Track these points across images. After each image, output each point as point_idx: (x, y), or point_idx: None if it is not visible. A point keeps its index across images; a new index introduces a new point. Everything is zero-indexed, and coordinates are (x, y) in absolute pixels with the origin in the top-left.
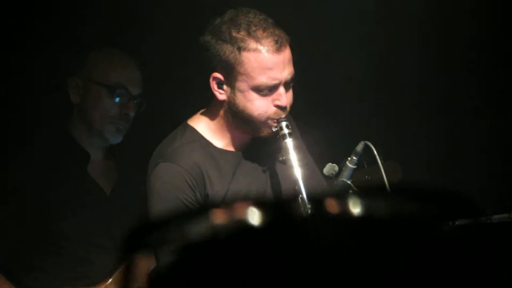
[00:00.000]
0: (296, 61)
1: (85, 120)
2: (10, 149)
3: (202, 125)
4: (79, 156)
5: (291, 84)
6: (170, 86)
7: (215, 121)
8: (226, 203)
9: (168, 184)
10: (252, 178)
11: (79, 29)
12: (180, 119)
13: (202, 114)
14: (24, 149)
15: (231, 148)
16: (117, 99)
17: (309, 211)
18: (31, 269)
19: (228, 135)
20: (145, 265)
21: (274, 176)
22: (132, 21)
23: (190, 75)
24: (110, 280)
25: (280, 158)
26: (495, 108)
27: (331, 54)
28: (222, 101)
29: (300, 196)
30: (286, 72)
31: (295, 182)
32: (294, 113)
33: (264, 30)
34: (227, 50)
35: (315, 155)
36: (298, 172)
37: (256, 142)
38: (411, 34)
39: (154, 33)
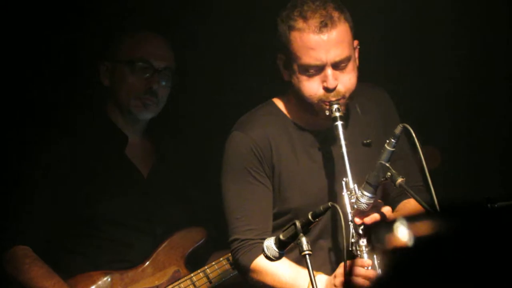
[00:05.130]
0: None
1: (116, 101)
2: (50, 133)
3: (283, 102)
4: (117, 138)
5: (345, 66)
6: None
7: (292, 100)
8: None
9: (236, 153)
10: (326, 160)
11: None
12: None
13: (286, 93)
14: (64, 133)
15: (310, 127)
16: (140, 74)
17: (353, 196)
18: (69, 252)
19: (303, 115)
20: None
21: (352, 160)
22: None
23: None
24: (148, 262)
25: (365, 141)
26: None
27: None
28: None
29: (345, 179)
30: (331, 53)
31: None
32: None
33: (315, 11)
34: (282, 29)
35: None
36: (345, 155)
37: (347, 122)
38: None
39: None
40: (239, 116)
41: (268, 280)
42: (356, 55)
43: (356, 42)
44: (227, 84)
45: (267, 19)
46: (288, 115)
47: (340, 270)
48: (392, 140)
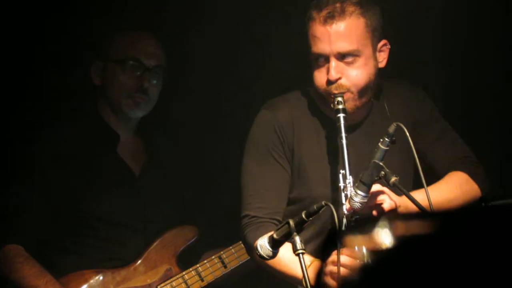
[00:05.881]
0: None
1: (107, 100)
2: (43, 132)
3: (315, 90)
4: (109, 137)
5: (353, 61)
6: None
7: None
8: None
9: (260, 130)
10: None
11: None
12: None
13: None
14: (56, 133)
15: (335, 116)
16: (131, 72)
17: (349, 186)
18: (61, 250)
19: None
20: None
21: (366, 153)
22: None
23: None
24: (140, 261)
25: (381, 140)
26: None
27: None
28: None
29: (342, 171)
30: (336, 45)
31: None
32: None
33: (329, 2)
34: (306, 19)
35: None
36: (344, 148)
37: (370, 118)
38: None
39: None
40: (231, 114)
41: (269, 261)
42: (384, 55)
43: (382, 42)
44: (220, 82)
45: (259, 17)
46: (317, 102)
47: (330, 258)
48: (386, 139)
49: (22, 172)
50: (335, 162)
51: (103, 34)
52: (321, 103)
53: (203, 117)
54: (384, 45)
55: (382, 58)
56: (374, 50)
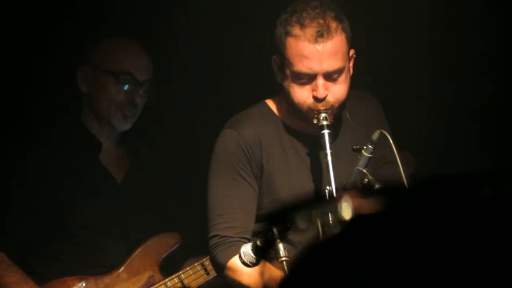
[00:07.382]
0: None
1: (93, 108)
2: (25, 139)
3: (275, 103)
4: (91, 145)
5: (338, 77)
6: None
7: (284, 103)
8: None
9: (225, 150)
10: (316, 164)
11: (92, 20)
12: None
13: (277, 94)
14: (38, 139)
15: (301, 130)
16: (123, 86)
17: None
18: (44, 257)
19: (294, 118)
20: None
21: (341, 166)
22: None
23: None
24: (122, 268)
25: (355, 147)
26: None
27: None
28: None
29: (328, 188)
30: (325, 64)
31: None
32: None
33: (312, 19)
34: (279, 33)
35: None
36: (330, 163)
37: (336, 129)
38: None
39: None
40: (215, 122)
41: (244, 280)
42: (351, 64)
43: (352, 51)
44: (204, 92)
45: (235, 30)
46: (280, 116)
47: None
48: (370, 146)
49: (3, 179)
50: (310, 175)
51: (90, 39)
52: (287, 117)
53: (187, 125)
54: (353, 54)
55: (351, 67)
56: (349, 61)
